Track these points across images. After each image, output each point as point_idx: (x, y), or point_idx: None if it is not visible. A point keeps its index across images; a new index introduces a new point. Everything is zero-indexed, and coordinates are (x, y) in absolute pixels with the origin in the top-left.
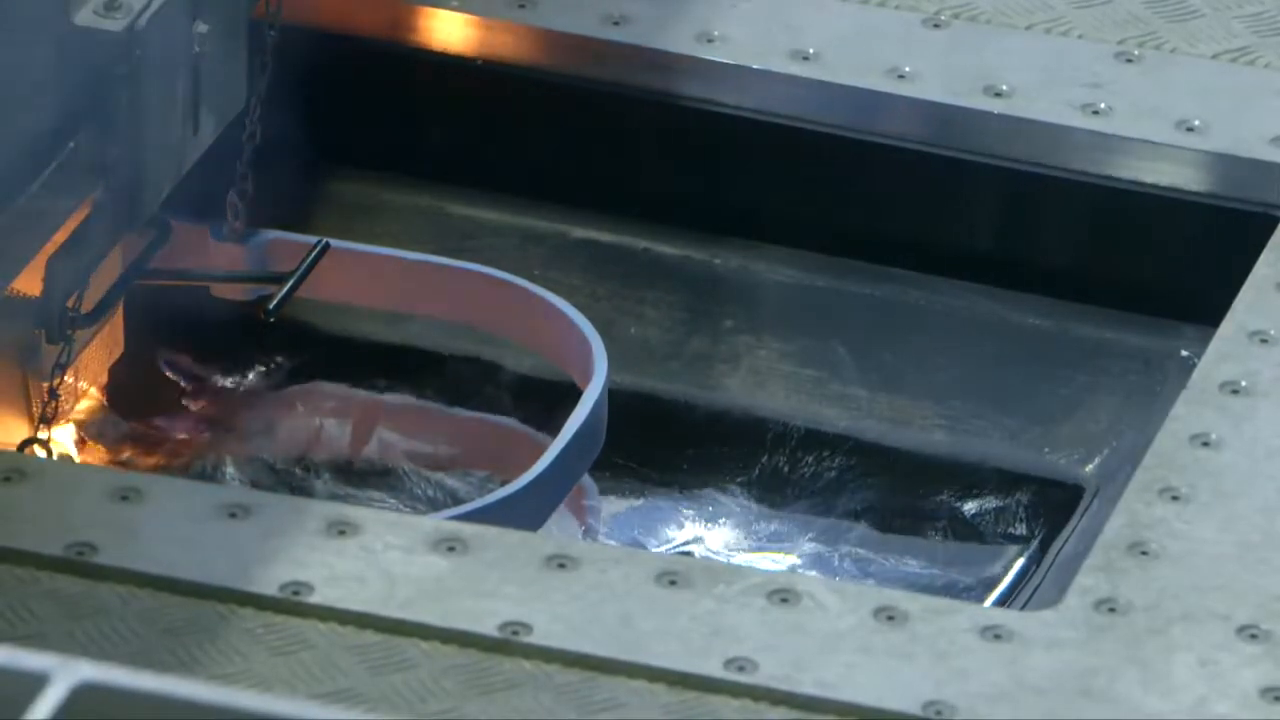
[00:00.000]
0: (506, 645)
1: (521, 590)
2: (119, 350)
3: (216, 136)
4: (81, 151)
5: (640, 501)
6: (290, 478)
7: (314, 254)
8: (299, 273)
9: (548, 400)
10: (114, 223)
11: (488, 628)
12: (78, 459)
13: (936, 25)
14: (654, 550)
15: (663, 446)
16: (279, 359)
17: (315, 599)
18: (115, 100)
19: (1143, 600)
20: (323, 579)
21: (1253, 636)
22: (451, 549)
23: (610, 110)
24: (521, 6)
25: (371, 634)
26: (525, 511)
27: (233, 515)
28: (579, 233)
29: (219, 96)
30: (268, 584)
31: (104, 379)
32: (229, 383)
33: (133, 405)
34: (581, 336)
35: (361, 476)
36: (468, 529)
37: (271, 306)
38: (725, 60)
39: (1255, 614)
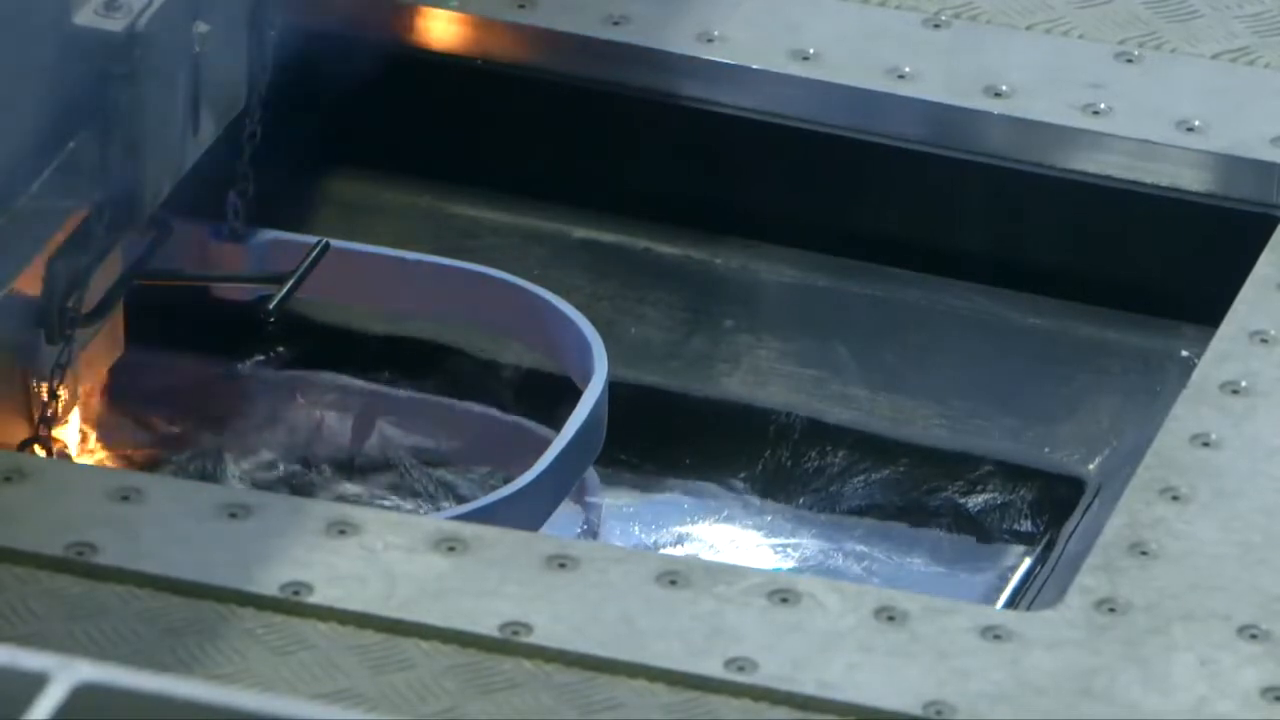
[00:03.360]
0: (507, 645)
1: (522, 590)
2: (119, 350)
3: (216, 136)
4: (82, 151)
5: (642, 498)
6: (291, 474)
7: (314, 254)
8: (299, 273)
9: (549, 395)
10: (114, 223)
11: (488, 628)
12: (79, 458)
13: (937, 25)
14: (656, 547)
15: (664, 443)
16: (279, 351)
17: (315, 599)
18: (115, 100)
19: (1143, 600)
20: (323, 579)
21: (1253, 636)
22: (452, 549)
23: (610, 110)
24: (521, 6)
25: (372, 634)
26: (526, 511)
27: (233, 515)
28: (579, 233)
29: (219, 96)
30: (268, 584)
31: (104, 379)
32: (230, 379)
33: (133, 403)
34: (581, 336)
35: (363, 472)
36: (468, 529)
37: (272, 306)
38: (725, 60)
39: (1256, 614)
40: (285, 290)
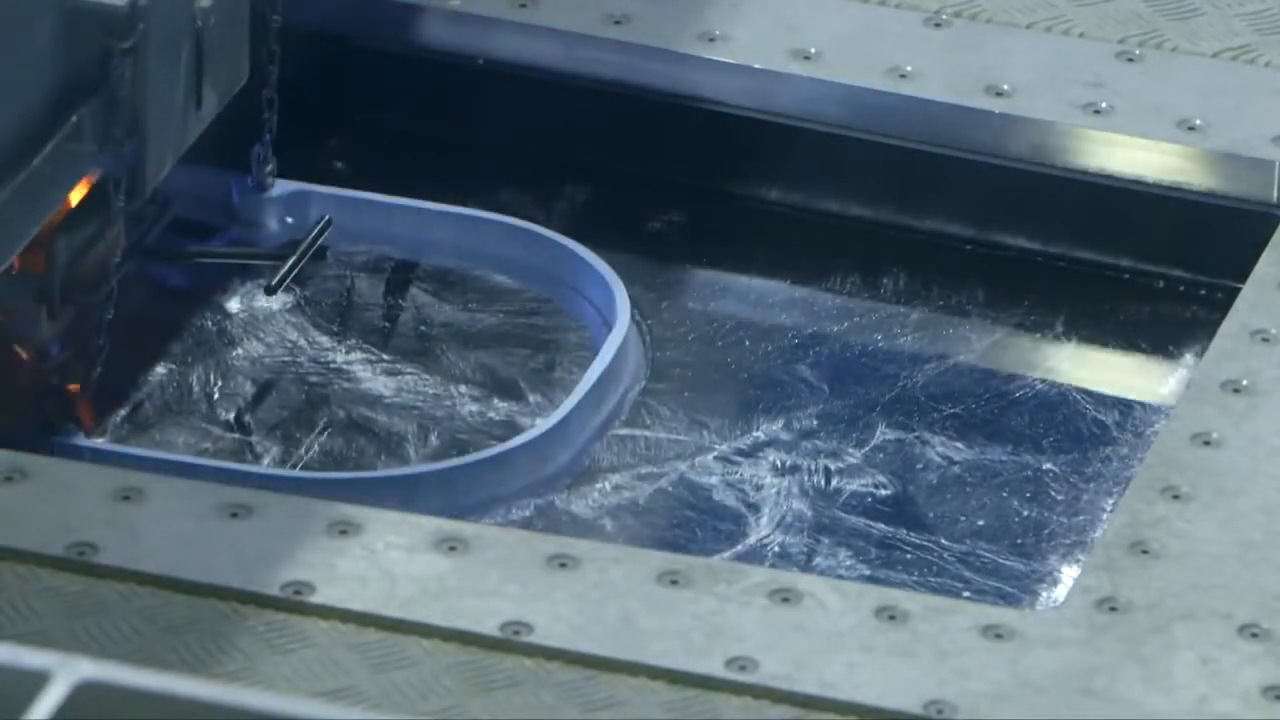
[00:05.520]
0: (507, 644)
1: (522, 589)
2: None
3: (219, 112)
4: (84, 127)
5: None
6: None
7: (317, 231)
8: (302, 250)
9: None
10: (116, 198)
11: (489, 627)
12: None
13: (938, 24)
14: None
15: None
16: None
17: (317, 598)
18: (118, 75)
19: (1144, 599)
20: (324, 578)
21: (1254, 635)
22: (453, 548)
23: (611, 110)
24: (523, 6)
25: (373, 632)
26: (554, 450)
27: (234, 515)
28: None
29: (221, 71)
30: (269, 583)
31: (103, 352)
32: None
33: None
34: (602, 280)
35: (397, 353)
36: (469, 528)
37: (274, 283)
38: (726, 59)
39: (1256, 613)
40: (287, 267)
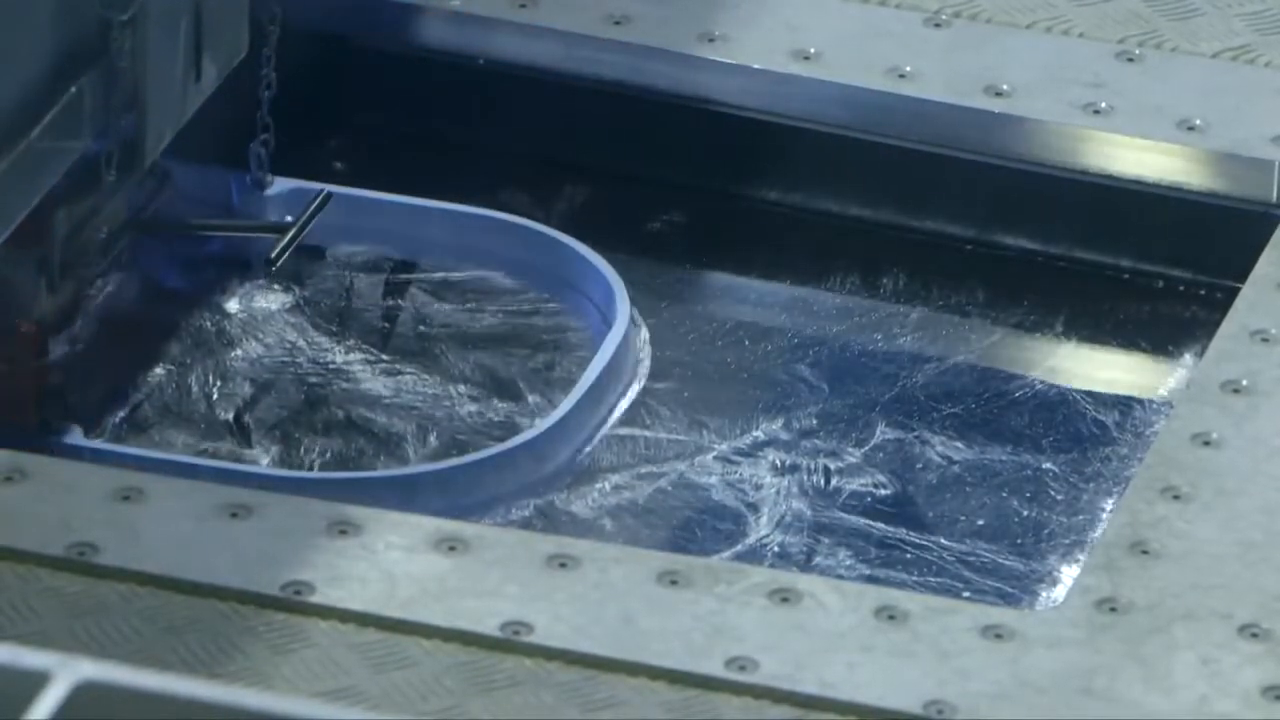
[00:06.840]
0: (508, 644)
1: (523, 590)
2: (119, 296)
3: (218, 85)
4: (83, 98)
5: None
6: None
7: (316, 204)
8: (300, 222)
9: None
10: (116, 170)
11: (489, 627)
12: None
13: (937, 25)
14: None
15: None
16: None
17: (317, 598)
18: (118, 47)
19: (1144, 599)
20: (324, 578)
21: (1254, 635)
22: (453, 548)
23: (611, 110)
24: (523, 6)
25: (373, 632)
26: (553, 450)
27: (234, 515)
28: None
29: (221, 43)
30: (269, 583)
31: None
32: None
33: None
34: (602, 278)
35: (397, 353)
36: (469, 528)
37: (273, 255)
38: (726, 60)
39: (1256, 613)
40: (286, 240)
